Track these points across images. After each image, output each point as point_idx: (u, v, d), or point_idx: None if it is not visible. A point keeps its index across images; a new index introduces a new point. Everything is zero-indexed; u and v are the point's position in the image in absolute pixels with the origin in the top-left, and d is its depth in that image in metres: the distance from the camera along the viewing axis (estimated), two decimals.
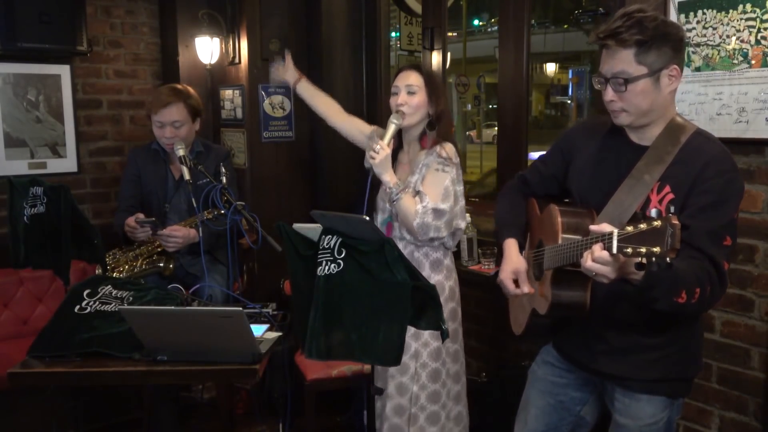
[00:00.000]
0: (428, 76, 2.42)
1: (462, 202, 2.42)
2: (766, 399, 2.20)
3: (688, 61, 2.24)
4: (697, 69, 2.25)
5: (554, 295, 1.66)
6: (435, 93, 2.39)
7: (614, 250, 1.32)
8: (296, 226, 1.86)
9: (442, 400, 2.45)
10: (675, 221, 1.26)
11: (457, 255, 2.65)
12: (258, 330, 2.14)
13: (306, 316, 1.76)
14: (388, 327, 1.67)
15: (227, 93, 3.84)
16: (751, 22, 2.11)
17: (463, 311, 2.59)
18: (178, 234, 2.72)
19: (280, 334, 2.16)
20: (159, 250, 2.83)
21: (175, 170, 2.97)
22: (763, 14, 2.08)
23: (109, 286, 2.24)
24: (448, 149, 2.36)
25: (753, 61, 2.11)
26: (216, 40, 3.73)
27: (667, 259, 1.26)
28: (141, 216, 2.70)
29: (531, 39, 3.05)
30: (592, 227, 1.42)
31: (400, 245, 2.38)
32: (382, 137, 2.32)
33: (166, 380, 2.33)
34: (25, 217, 2.42)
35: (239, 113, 3.76)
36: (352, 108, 3.07)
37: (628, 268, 1.39)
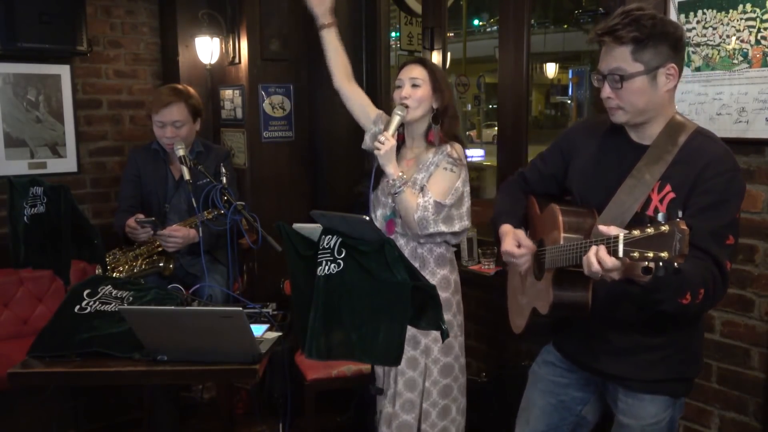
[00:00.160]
0: (433, 70, 2.41)
1: (468, 203, 2.42)
2: (766, 399, 2.20)
3: (688, 61, 2.24)
4: (697, 69, 2.25)
5: (555, 295, 1.65)
6: (439, 86, 2.37)
7: (620, 254, 1.31)
8: (296, 226, 1.86)
9: (453, 393, 2.45)
10: (684, 226, 1.24)
11: (457, 255, 2.65)
12: (258, 330, 2.14)
13: (306, 316, 1.75)
14: (388, 327, 1.67)
15: (227, 93, 3.84)
16: (751, 22, 2.10)
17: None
18: (178, 234, 2.72)
19: (280, 334, 2.16)
20: (159, 250, 2.83)
21: (175, 170, 2.97)
22: (763, 14, 2.08)
23: (109, 286, 2.24)
24: (458, 150, 2.36)
25: (753, 61, 2.11)
26: (216, 40, 3.73)
27: (675, 264, 1.24)
28: (141, 216, 2.70)
29: (531, 39, 3.05)
30: (601, 228, 1.41)
31: (403, 242, 2.38)
32: (386, 127, 2.32)
33: (166, 380, 2.33)
34: (25, 217, 2.42)
35: (239, 113, 3.76)
36: None
37: (634, 271, 1.38)
